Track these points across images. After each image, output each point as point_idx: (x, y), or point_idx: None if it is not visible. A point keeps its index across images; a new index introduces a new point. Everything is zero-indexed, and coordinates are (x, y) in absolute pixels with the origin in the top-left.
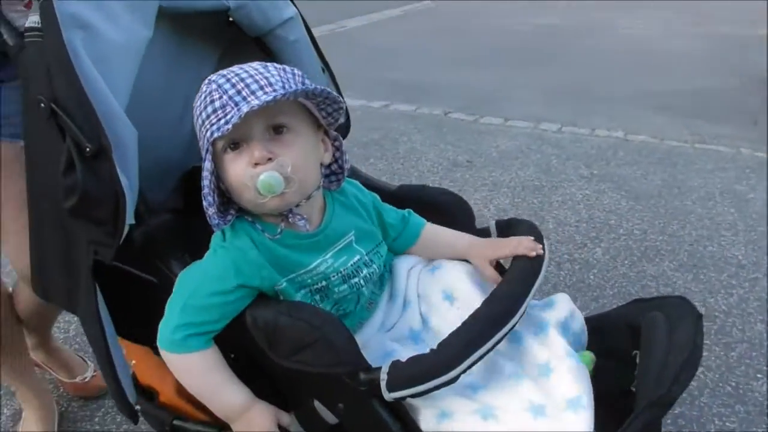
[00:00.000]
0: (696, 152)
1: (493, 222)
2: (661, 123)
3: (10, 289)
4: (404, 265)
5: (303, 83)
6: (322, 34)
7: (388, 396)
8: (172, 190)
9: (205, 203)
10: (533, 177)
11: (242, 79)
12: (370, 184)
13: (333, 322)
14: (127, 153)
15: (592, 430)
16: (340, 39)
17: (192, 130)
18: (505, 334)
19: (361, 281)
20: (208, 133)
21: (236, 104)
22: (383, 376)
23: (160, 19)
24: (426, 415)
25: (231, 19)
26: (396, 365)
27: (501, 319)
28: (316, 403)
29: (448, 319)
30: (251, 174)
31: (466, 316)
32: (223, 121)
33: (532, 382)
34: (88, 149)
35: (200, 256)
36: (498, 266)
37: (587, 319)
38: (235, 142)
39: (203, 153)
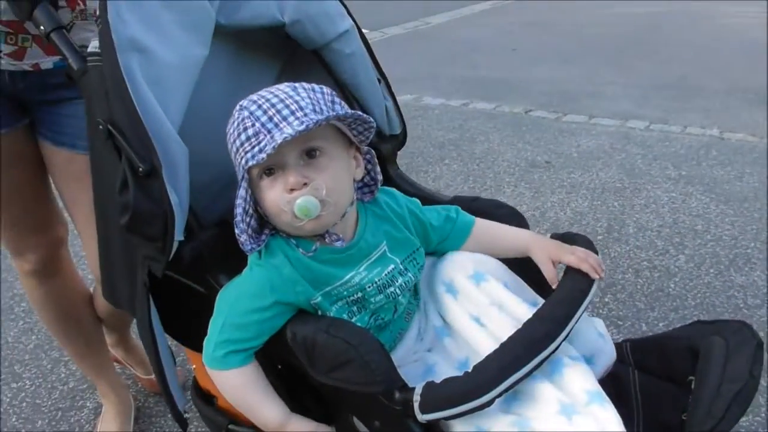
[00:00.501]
0: None
1: (548, 236)
2: (762, 120)
3: (91, 289)
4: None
5: (333, 104)
6: (406, 31)
7: (421, 417)
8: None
9: (237, 230)
10: (615, 178)
11: (273, 105)
12: (424, 196)
13: (370, 341)
14: (177, 171)
15: (621, 421)
16: (423, 36)
17: None
18: (545, 359)
19: (397, 290)
20: (243, 161)
21: (269, 131)
22: (416, 398)
23: (219, 37)
24: (460, 428)
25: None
26: (430, 386)
27: (540, 344)
28: (354, 419)
29: (454, 313)
30: (288, 199)
31: (470, 309)
32: (257, 149)
33: (549, 381)
34: (140, 169)
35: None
36: (539, 278)
37: (651, 339)
38: (270, 168)
39: (238, 179)
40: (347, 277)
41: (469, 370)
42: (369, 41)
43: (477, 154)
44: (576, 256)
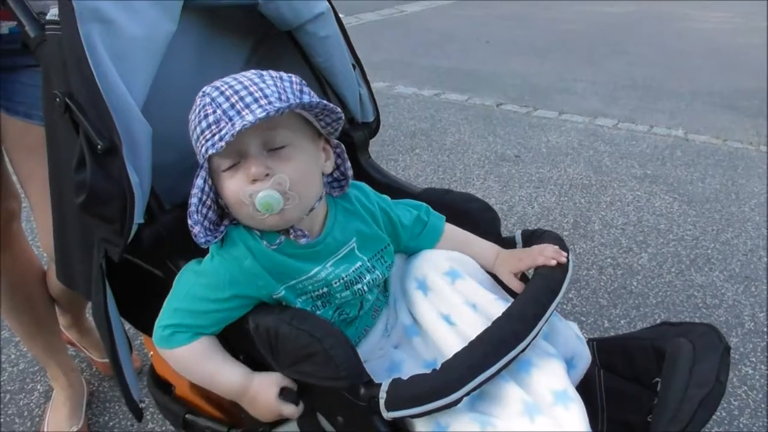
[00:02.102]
0: (759, 155)
1: (519, 232)
2: (726, 123)
3: (45, 268)
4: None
5: (301, 93)
6: (381, 17)
7: (387, 415)
8: None
9: (190, 221)
10: (582, 175)
11: (236, 92)
12: (395, 186)
13: (335, 333)
14: (139, 151)
15: (587, 422)
16: (397, 24)
17: None
18: (513, 358)
19: (364, 287)
20: (203, 149)
21: (230, 119)
22: (382, 395)
23: (188, 12)
24: (421, 427)
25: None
26: (397, 384)
27: (509, 343)
28: (318, 414)
29: (423, 310)
30: (249, 191)
31: (441, 307)
32: (217, 137)
33: (515, 381)
34: (99, 146)
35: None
36: (523, 276)
37: (617, 339)
38: (232, 158)
39: (198, 169)
40: (313, 272)
41: (437, 368)
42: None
43: (447, 146)
44: (530, 259)
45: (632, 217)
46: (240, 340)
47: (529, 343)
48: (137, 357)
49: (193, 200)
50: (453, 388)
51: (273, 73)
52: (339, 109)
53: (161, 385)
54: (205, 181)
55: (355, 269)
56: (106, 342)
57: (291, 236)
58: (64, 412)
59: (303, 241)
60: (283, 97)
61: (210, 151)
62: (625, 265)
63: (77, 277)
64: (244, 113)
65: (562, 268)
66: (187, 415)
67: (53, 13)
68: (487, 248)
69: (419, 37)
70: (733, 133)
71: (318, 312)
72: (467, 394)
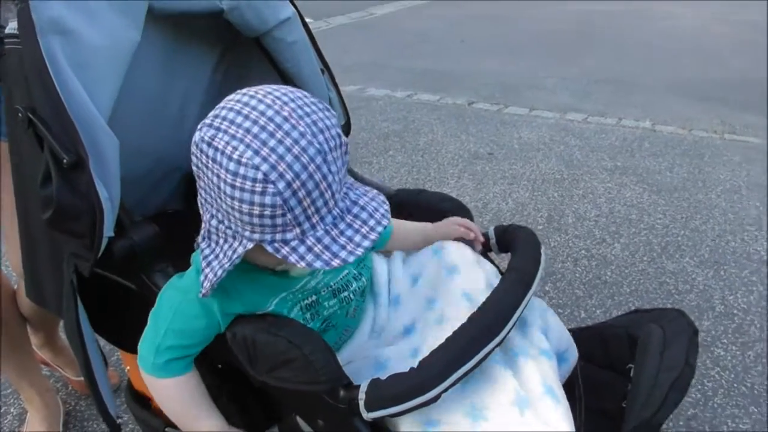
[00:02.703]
0: (724, 143)
1: (492, 228)
2: (692, 113)
3: (15, 286)
4: (379, 262)
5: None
6: (351, 21)
7: (367, 416)
8: (173, 192)
9: (207, 284)
10: (555, 169)
11: (309, 192)
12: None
13: (313, 339)
14: (107, 163)
15: (572, 422)
16: (368, 26)
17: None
18: (489, 352)
19: (351, 295)
20: (256, 236)
21: (299, 224)
22: (361, 396)
23: (153, 22)
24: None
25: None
26: (375, 384)
27: (484, 337)
28: (298, 419)
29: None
30: (284, 265)
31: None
32: (279, 236)
33: (511, 370)
34: (65, 160)
35: (184, 265)
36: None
37: (591, 329)
38: None
39: (229, 229)
40: (303, 282)
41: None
42: (312, 31)
43: (421, 146)
44: (443, 231)
45: (604, 209)
46: (218, 350)
47: (504, 337)
48: (114, 373)
49: (219, 272)
50: (431, 385)
51: (330, 134)
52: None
53: (139, 399)
54: (238, 257)
55: (343, 277)
56: (80, 358)
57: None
58: None
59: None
60: (343, 180)
61: (267, 248)
62: (598, 256)
63: (47, 295)
64: (317, 224)
65: (535, 261)
66: (166, 429)
67: (12, 26)
68: (421, 226)
69: (391, 39)
70: (698, 122)
71: (308, 325)
72: (445, 390)
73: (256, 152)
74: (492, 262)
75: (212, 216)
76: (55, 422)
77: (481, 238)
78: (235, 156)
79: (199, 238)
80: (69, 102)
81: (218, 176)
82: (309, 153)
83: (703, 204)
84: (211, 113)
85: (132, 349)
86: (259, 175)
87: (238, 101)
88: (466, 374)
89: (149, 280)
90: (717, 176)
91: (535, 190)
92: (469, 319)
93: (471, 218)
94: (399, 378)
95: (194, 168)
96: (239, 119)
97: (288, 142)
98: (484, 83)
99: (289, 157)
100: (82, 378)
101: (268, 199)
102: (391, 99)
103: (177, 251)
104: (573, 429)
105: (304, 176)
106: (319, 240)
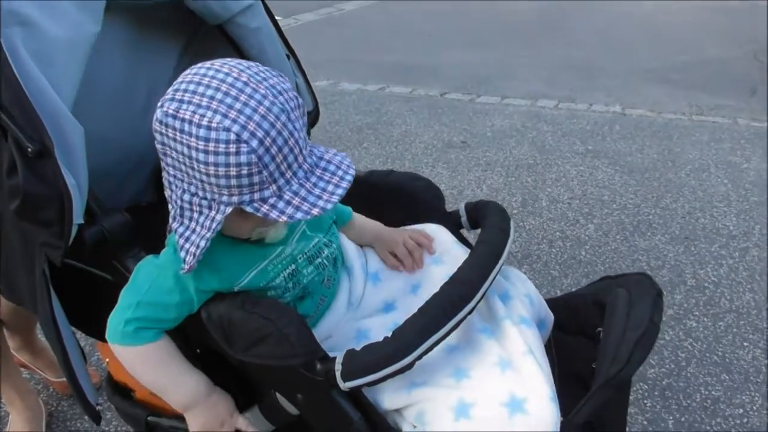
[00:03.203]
0: (693, 124)
1: (462, 205)
2: (660, 96)
3: None
4: (345, 237)
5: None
6: (319, 17)
7: (344, 386)
8: (146, 183)
9: (189, 258)
10: (527, 155)
11: (280, 148)
12: None
13: (287, 313)
14: (73, 151)
15: (551, 383)
16: (337, 23)
17: None
18: (461, 320)
19: (325, 261)
20: (234, 199)
21: (275, 181)
22: (337, 367)
23: (113, 13)
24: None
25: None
26: (350, 355)
27: (456, 306)
28: (278, 395)
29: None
30: (261, 230)
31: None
32: (257, 195)
33: (494, 338)
34: (30, 150)
35: (157, 252)
36: (466, 242)
37: (561, 298)
38: None
39: (204, 200)
40: (278, 250)
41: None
42: (282, 28)
43: (395, 137)
44: (403, 250)
45: (577, 191)
46: (196, 334)
47: (475, 305)
48: (95, 372)
49: (201, 242)
50: (404, 352)
51: (289, 96)
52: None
53: (120, 390)
54: (219, 224)
55: (315, 244)
56: (56, 347)
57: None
58: None
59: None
60: (306, 142)
61: (247, 208)
62: (573, 236)
63: (22, 292)
64: (291, 180)
65: (503, 234)
66: (149, 417)
67: None
68: (374, 227)
69: (360, 34)
70: (667, 105)
71: (287, 294)
72: (419, 357)
73: (225, 116)
74: (465, 240)
75: (184, 191)
76: (37, 424)
77: (419, 266)
78: (204, 122)
79: (171, 220)
80: (31, 91)
81: (188, 146)
82: (274, 112)
83: (673, 183)
84: (170, 89)
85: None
86: (232, 136)
87: (196, 74)
88: (438, 342)
89: (122, 266)
90: (686, 156)
91: (509, 175)
92: (441, 289)
93: (441, 195)
94: (373, 347)
95: (159, 146)
96: (201, 89)
97: (252, 103)
98: (455, 74)
99: (256, 117)
100: (62, 379)
101: (243, 158)
102: (364, 93)
103: (150, 243)
104: (552, 389)
105: (273, 133)
106: (295, 193)
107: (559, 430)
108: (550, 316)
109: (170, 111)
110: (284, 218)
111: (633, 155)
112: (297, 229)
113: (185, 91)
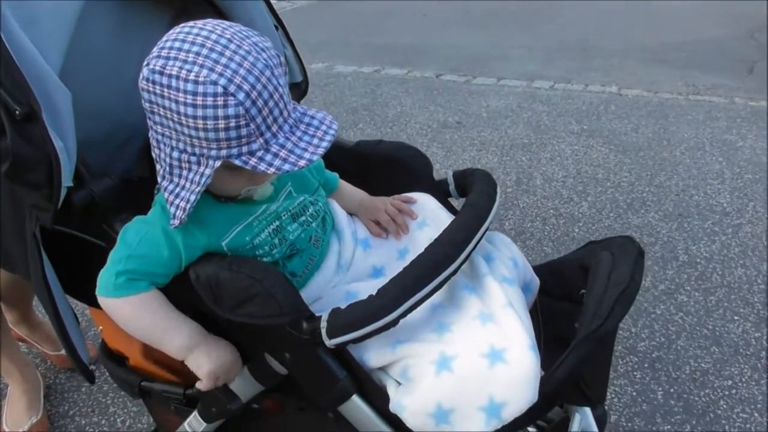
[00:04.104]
0: (689, 104)
1: (450, 172)
2: (657, 76)
3: None
4: (335, 204)
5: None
6: (315, 0)
7: (329, 343)
8: (137, 157)
9: (179, 213)
10: (522, 135)
11: (265, 102)
12: None
13: (274, 274)
14: (60, 115)
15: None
16: (331, 5)
17: None
18: (445, 280)
19: (309, 219)
20: (223, 152)
21: (262, 134)
22: (323, 324)
23: None
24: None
25: None
26: (336, 312)
27: (440, 265)
28: (266, 356)
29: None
30: (248, 188)
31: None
32: (245, 148)
33: (476, 296)
34: (17, 112)
35: None
36: (455, 211)
37: (547, 264)
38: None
39: (193, 156)
40: (264, 207)
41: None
42: (278, 12)
43: (390, 118)
44: (385, 217)
45: (571, 170)
46: (185, 298)
47: (460, 265)
48: (93, 346)
49: (191, 197)
50: (388, 309)
51: (271, 53)
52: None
53: (114, 358)
54: (207, 179)
55: (300, 203)
56: (48, 308)
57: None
58: (22, 406)
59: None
60: (288, 98)
61: (235, 162)
62: (567, 214)
63: (15, 259)
64: (278, 133)
65: (489, 198)
66: (142, 383)
67: None
68: (358, 195)
69: (355, 16)
70: (663, 85)
71: (275, 251)
72: (403, 315)
73: (211, 69)
74: (453, 209)
75: (173, 148)
76: (35, 395)
77: (404, 231)
78: (191, 77)
79: (159, 179)
80: (18, 56)
81: (176, 101)
82: (258, 67)
83: (668, 161)
84: (155, 48)
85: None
86: (219, 89)
87: (180, 32)
88: (422, 300)
89: (111, 229)
90: (681, 135)
91: (504, 155)
92: (426, 249)
93: (429, 164)
94: (357, 305)
95: (146, 105)
96: (186, 46)
97: (237, 58)
98: (451, 56)
99: (242, 71)
100: (60, 352)
101: (231, 110)
102: (359, 75)
103: (140, 212)
104: (531, 339)
105: (259, 87)
106: (282, 146)
107: (539, 378)
108: (536, 280)
109: (156, 68)
110: (272, 170)
111: (628, 134)
112: (283, 189)
113: (171, 48)
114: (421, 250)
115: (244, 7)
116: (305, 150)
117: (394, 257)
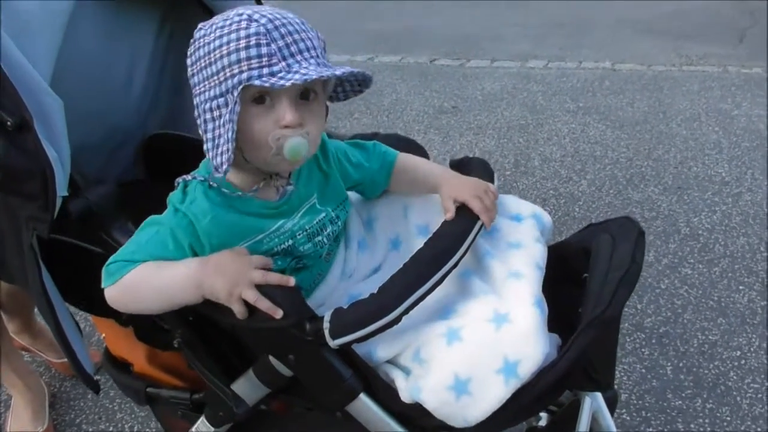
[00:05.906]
0: (683, 75)
1: (447, 162)
2: (649, 49)
3: None
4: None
5: (324, 51)
6: None
7: (333, 343)
8: (133, 160)
9: (222, 158)
10: (519, 116)
11: (289, 32)
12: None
13: None
14: (53, 124)
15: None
16: None
17: (140, 97)
18: (446, 274)
19: (324, 239)
20: (244, 75)
21: (284, 58)
22: (326, 325)
23: None
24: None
25: None
26: (338, 312)
27: (440, 260)
28: (271, 358)
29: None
30: (278, 135)
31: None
32: (266, 70)
33: (478, 278)
34: (9, 123)
35: None
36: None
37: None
38: (261, 95)
39: (221, 97)
40: (276, 226)
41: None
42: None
43: (385, 106)
44: (481, 205)
45: (569, 149)
46: None
47: (460, 258)
48: (97, 352)
49: (229, 133)
50: (390, 307)
51: (304, 21)
52: (368, 81)
53: (119, 365)
54: (237, 114)
55: (319, 221)
56: (49, 319)
57: (277, 187)
58: (27, 416)
59: (289, 189)
60: (321, 53)
61: (255, 82)
62: (566, 194)
63: (14, 270)
64: (299, 59)
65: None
66: (148, 389)
67: None
68: (435, 170)
69: (346, 4)
70: (656, 57)
71: (278, 262)
72: (405, 312)
73: (239, 15)
74: None
75: (206, 100)
76: (39, 404)
77: (492, 218)
78: (220, 21)
79: (204, 149)
80: (8, 66)
81: (208, 44)
82: (288, 16)
83: (665, 134)
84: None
85: (102, 312)
86: (244, 17)
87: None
88: (423, 296)
89: (109, 237)
90: (677, 107)
91: (501, 137)
92: (426, 243)
93: (425, 154)
94: (359, 304)
95: (189, 70)
96: (220, 19)
97: (264, 20)
98: (444, 39)
99: (267, 19)
100: (63, 359)
101: (252, 29)
102: (353, 63)
103: (138, 217)
104: (535, 295)
105: (284, 21)
106: (306, 68)
107: (546, 330)
108: (548, 220)
109: (197, 33)
110: (290, 82)
111: (624, 109)
112: (306, 202)
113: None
114: (408, 236)
115: (233, 4)
116: (330, 68)
117: (387, 249)
